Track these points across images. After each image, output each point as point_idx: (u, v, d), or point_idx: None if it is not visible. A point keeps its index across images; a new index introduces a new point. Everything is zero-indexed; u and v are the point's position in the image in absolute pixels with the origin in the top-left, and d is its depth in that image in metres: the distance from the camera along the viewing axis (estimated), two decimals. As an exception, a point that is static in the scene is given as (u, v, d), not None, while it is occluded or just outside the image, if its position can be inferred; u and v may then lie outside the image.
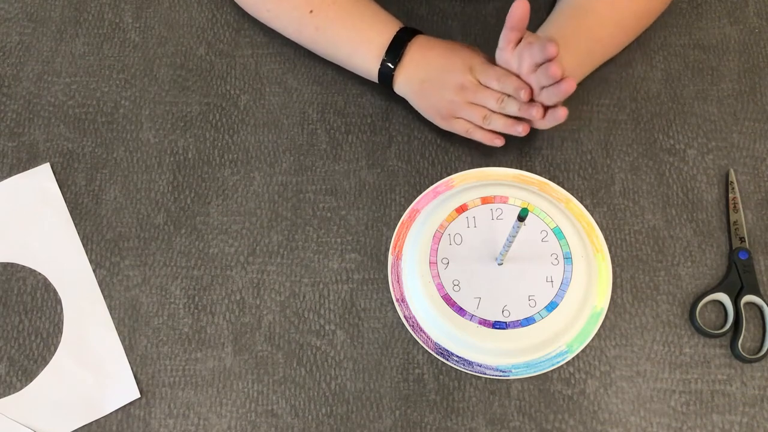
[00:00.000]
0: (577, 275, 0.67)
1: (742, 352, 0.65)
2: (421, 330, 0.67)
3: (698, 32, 0.80)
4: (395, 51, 0.71)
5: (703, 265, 0.70)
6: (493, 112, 0.70)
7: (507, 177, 0.73)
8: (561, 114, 0.65)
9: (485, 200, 0.71)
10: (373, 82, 0.76)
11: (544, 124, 0.68)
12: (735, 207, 0.71)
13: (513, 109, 0.69)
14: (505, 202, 0.71)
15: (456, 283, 0.67)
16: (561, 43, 0.64)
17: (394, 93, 0.74)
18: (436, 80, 0.71)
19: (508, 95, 0.69)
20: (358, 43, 0.72)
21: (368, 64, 0.73)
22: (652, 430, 0.64)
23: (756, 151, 0.75)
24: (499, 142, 0.71)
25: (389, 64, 0.71)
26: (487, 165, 0.74)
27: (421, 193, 0.73)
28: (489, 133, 0.71)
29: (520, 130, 0.69)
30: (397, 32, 0.72)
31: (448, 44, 0.73)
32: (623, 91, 0.77)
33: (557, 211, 0.70)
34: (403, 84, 0.73)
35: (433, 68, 0.71)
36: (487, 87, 0.70)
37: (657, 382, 0.65)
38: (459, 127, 0.72)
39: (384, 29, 0.72)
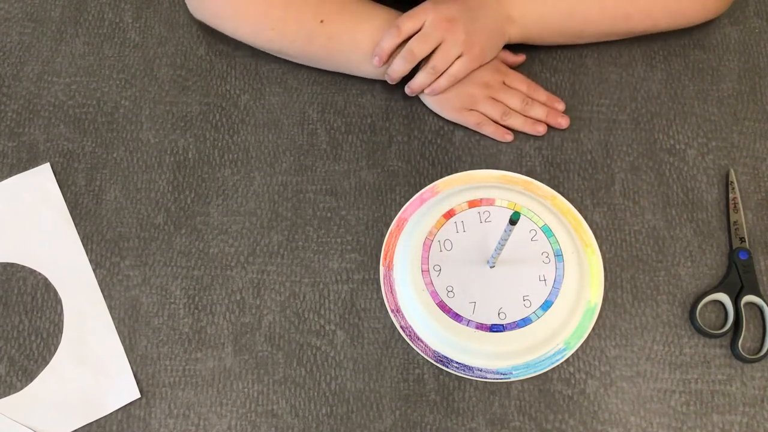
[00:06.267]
0: (570, 272, 0.68)
1: (742, 352, 0.65)
2: (419, 339, 0.67)
3: (698, 32, 0.80)
4: None
5: (703, 265, 0.70)
6: (510, 111, 0.74)
7: (491, 179, 0.73)
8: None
9: (472, 204, 0.71)
10: (373, 82, 0.76)
11: (562, 127, 0.75)
12: (735, 207, 0.71)
13: (538, 112, 0.75)
14: (491, 204, 0.71)
15: (450, 289, 0.67)
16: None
17: (395, 92, 0.74)
18: None
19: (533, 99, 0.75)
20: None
21: None
22: (652, 430, 0.64)
23: (756, 151, 0.75)
24: (509, 137, 0.75)
25: None
26: (487, 165, 0.74)
27: (412, 197, 0.73)
28: (501, 128, 0.74)
29: (540, 130, 0.75)
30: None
31: None
32: (623, 91, 0.77)
33: (544, 209, 0.70)
34: None
35: None
36: (512, 87, 0.75)
37: (657, 382, 0.65)
38: (471, 120, 0.74)
39: None
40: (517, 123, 0.74)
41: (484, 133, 0.74)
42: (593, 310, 0.68)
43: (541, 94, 0.75)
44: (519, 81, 0.76)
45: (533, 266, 0.68)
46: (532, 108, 0.75)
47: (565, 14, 0.74)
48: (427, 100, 0.75)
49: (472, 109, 0.74)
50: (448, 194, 0.71)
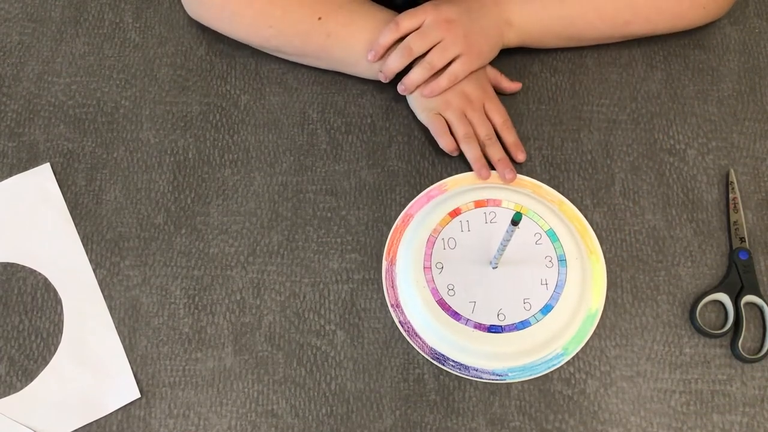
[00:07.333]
0: (572, 277, 0.67)
1: (742, 352, 0.65)
2: (417, 335, 0.67)
3: (698, 32, 0.80)
4: None
5: (703, 265, 0.70)
6: (474, 137, 0.72)
7: (500, 180, 0.73)
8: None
9: (478, 204, 0.71)
10: (373, 82, 0.76)
11: (505, 181, 0.72)
12: (735, 207, 0.71)
13: (494, 153, 0.72)
14: (498, 206, 0.70)
15: (450, 287, 0.67)
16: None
17: (395, 92, 0.74)
18: None
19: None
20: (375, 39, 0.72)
21: None
22: (652, 430, 0.64)
23: (756, 151, 0.75)
24: (455, 153, 0.72)
25: None
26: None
27: (419, 194, 0.73)
28: (454, 143, 0.72)
29: (483, 174, 0.72)
30: None
31: None
32: (623, 91, 0.77)
33: (551, 213, 0.70)
34: None
35: None
36: (488, 114, 0.73)
37: (657, 382, 0.65)
38: (435, 125, 0.72)
39: None
40: (470, 154, 0.72)
41: (439, 141, 0.72)
42: (594, 317, 0.67)
43: (511, 135, 0.73)
44: (497, 111, 0.73)
45: (536, 269, 0.68)
46: (491, 146, 0.72)
47: (565, 20, 0.74)
48: (409, 95, 0.74)
49: (440, 115, 0.72)
50: (455, 193, 0.71)
